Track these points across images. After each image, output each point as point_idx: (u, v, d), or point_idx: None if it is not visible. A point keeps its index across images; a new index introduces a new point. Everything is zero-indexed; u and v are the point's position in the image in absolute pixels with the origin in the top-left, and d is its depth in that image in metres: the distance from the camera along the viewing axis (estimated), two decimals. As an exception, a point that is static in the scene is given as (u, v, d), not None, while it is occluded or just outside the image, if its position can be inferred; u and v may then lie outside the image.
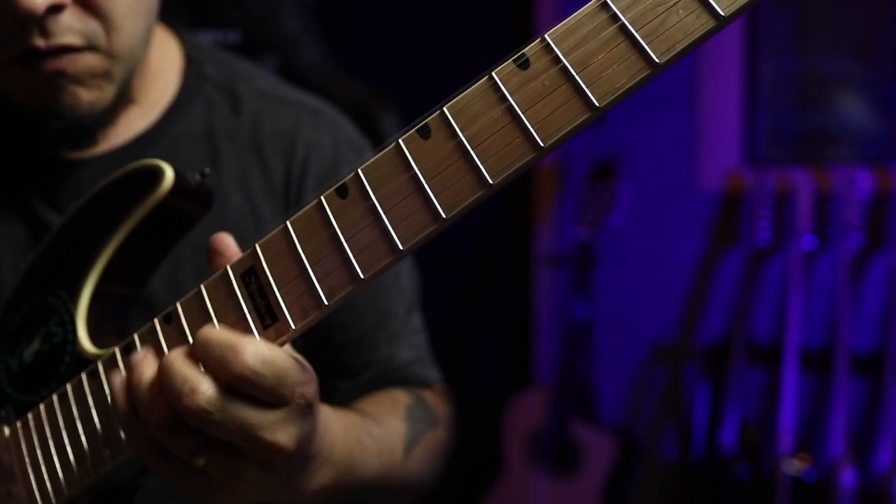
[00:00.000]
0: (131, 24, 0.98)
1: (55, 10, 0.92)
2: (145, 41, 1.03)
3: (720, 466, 2.64)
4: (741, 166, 2.83)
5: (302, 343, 1.11)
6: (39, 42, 0.94)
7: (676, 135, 2.90)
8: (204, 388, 0.69)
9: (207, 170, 0.88)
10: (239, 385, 0.69)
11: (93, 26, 0.96)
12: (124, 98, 1.05)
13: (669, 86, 2.89)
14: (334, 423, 0.88)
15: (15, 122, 1.08)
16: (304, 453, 0.78)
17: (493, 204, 3.18)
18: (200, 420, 0.70)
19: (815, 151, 2.89)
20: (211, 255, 0.79)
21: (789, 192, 2.68)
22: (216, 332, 0.71)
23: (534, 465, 2.72)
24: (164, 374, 0.71)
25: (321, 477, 0.85)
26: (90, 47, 0.96)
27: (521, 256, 3.15)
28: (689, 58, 2.69)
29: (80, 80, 0.97)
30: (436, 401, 1.16)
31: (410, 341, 1.16)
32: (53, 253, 0.92)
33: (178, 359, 0.72)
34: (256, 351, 0.69)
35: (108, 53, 0.98)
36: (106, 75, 0.99)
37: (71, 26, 0.94)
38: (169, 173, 0.85)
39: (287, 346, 0.74)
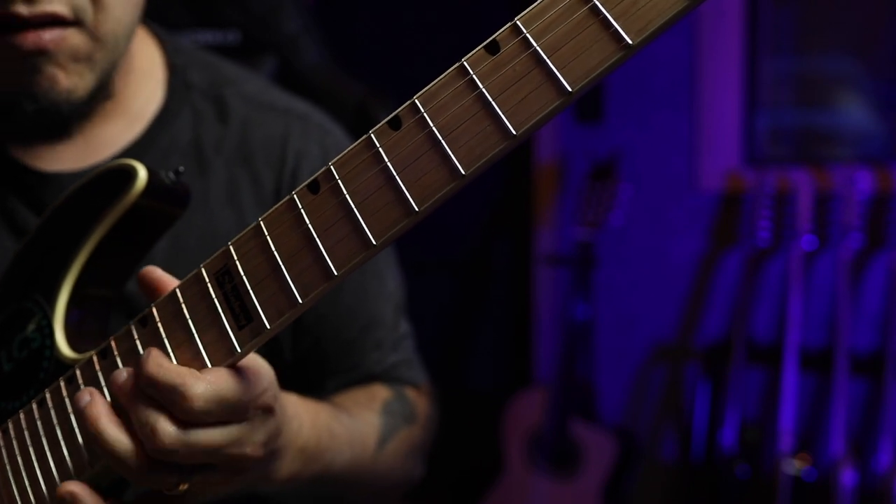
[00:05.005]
0: (120, 9, 0.94)
1: None
2: (130, 34, 0.99)
3: (720, 466, 2.64)
4: (741, 166, 2.82)
5: (291, 351, 1.11)
6: (21, 8, 0.87)
7: (676, 135, 2.89)
8: (162, 427, 0.70)
9: (182, 168, 0.86)
10: (194, 421, 0.70)
11: (81, 0, 0.91)
12: (104, 93, 1.00)
13: (669, 86, 2.89)
14: (302, 411, 0.88)
15: None
16: (270, 449, 0.79)
17: (493, 204, 3.19)
18: (168, 456, 0.71)
19: (815, 151, 2.89)
20: (142, 288, 0.78)
21: (789, 192, 2.68)
22: (160, 370, 0.70)
23: (534, 465, 2.72)
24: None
25: (288, 465, 0.85)
26: (77, 22, 0.91)
27: (521, 256, 3.15)
28: (688, 57, 2.70)
29: (60, 62, 0.92)
30: (417, 398, 1.15)
31: (398, 346, 1.15)
32: (30, 257, 0.90)
33: (130, 399, 0.71)
34: (203, 392, 0.69)
35: (94, 34, 0.93)
36: (88, 60, 0.94)
37: None
38: (142, 173, 0.84)
39: (241, 363, 0.73)
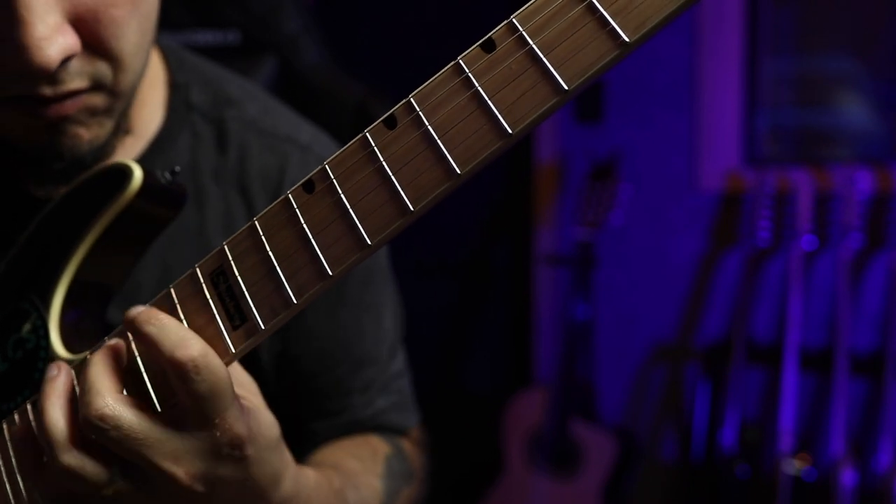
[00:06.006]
0: (138, 62, 0.93)
1: (65, 61, 0.85)
2: (144, 72, 0.98)
3: (720, 466, 2.64)
4: (741, 166, 2.83)
5: (275, 385, 1.08)
6: (47, 91, 0.86)
7: (676, 135, 2.90)
8: (107, 393, 0.68)
9: (178, 168, 0.86)
10: (174, 372, 0.67)
11: (101, 67, 0.89)
12: (121, 129, 0.99)
13: (669, 86, 2.89)
14: (314, 494, 0.84)
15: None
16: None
17: (494, 204, 3.19)
18: (98, 430, 0.68)
19: (815, 151, 2.89)
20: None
21: (789, 192, 2.68)
22: (171, 319, 0.69)
23: (534, 465, 2.72)
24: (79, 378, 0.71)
25: None
26: (98, 88, 0.90)
27: (521, 256, 3.15)
28: (688, 57, 2.70)
29: (81, 121, 0.91)
30: (412, 451, 1.13)
31: (390, 387, 1.13)
32: (26, 258, 0.89)
33: (97, 361, 0.71)
34: (205, 349, 0.67)
35: (113, 92, 0.92)
36: (107, 112, 0.93)
37: (80, 71, 0.87)
38: (137, 173, 0.83)
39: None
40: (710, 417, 2.74)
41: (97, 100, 0.91)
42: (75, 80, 0.87)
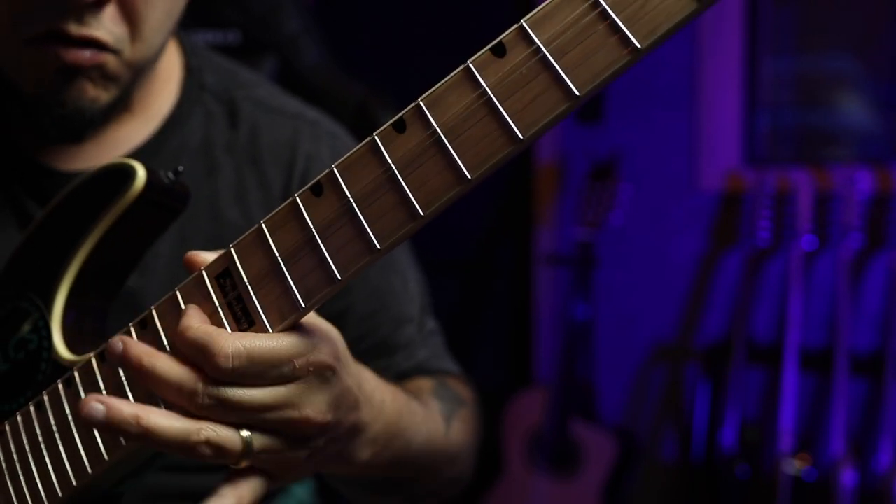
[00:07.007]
0: (156, 38, 0.98)
1: (101, 3, 0.91)
2: (160, 54, 1.03)
3: (720, 466, 2.64)
4: (741, 166, 2.83)
5: None
6: (72, 28, 0.91)
7: (676, 135, 2.89)
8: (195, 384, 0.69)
9: (181, 168, 0.86)
10: (227, 381, 0.69)
11: (123, 32, 0.94)
12: (123, 103, 1.03)
13: (669, 86, 2.89)
14: (383, 387, 0.87)
15: (8, 127, 1.07)
16: (343, 420, 0.77)
17: (494, 204, 3.18)
18: (208, 413, 0.69)
19: (815, 151, 2.89)
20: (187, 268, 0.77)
21: (789, 192, 2.68)
22: (188, 331, 0.69)
23: (534, 465, 2.72)
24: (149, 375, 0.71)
25: (371, 442, 0.84)
26: (114, 51, 0.95)
27: (521, 256, 3.15)
28: (688, 57, 2.69)
29: (90, 76, 0.96)
30: (458, 385, 1.15)
31: (427, 342, 1.16)
32: (27, 256, 0.89)
33: (162, 359, 0.71)
34: (230, 350, 0.67)
35: (128, 62, 0.97)
36: (114, 79, 0.97)
37: (107, 26, 0.93)
38: (141, 172, 0.83)
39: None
40: (710, 417, 2.74)
41: (111, 62, 0.96)
42: (100, 31, 0.92)
